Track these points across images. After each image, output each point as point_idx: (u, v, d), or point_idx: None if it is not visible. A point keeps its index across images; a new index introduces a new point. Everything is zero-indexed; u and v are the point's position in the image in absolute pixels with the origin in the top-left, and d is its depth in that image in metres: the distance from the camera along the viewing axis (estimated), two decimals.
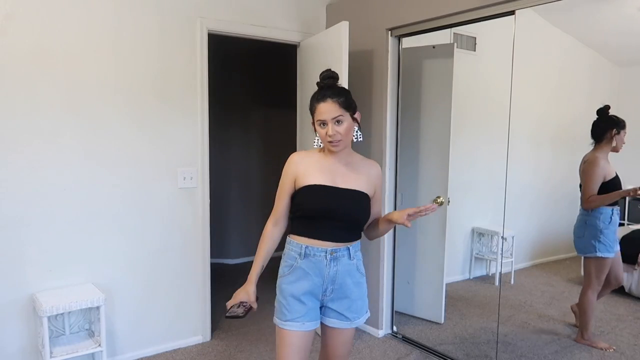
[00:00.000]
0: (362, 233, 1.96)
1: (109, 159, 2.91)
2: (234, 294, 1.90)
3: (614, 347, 3.10)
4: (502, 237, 3.56)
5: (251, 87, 5.23)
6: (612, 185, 2.93)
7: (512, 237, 3.79)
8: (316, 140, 1.90)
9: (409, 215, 1.74)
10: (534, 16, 3.28)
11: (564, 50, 3.72)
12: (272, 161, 5.25)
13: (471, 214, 4.03)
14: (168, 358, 3.14)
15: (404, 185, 3.49)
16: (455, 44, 3.49)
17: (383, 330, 3.50)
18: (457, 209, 3.59)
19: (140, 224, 3.06)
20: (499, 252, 3.89)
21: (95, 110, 2.85)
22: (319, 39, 3.36)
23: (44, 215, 2.73)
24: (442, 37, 3.38)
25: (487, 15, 2.73)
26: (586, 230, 3.04)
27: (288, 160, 1.90)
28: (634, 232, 3.33)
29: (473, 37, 3.79)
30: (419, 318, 3.70)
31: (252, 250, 1.99)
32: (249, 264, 1.94)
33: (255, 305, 1.90)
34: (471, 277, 4.13)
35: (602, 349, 3.09)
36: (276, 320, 1.86)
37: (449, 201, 3.45)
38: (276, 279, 1.90)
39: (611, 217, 2.98)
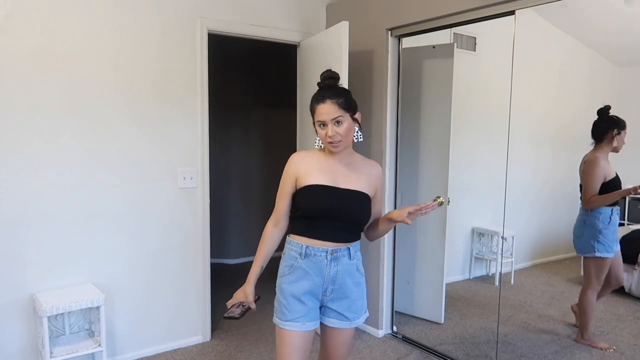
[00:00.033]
0: (362, 234, 1.96)
1: (109, 158, 2.91)
2: (234, 294, 1.92)
3: (614, 347, 3.10)
4: (502, 237, 3.56)
5: (251, 87, 5.23)
6: (612, 185, 2.93)
7: (512, 237, 3.79)
8: (317, 141, 1.90)
9: (409, 213, 1.74)
10: (534, 16, 3.29)
11: (564, 50, 3.72)
12: (272, 161, 5.26)
13: (471, 214, 4.03)
14: (168, 358, 3.15)
15: (404, 185, 3.49)
16: (455, 44, 3.49)
17: (383, 330, 3.50)
18: (457, 209, 3.60)
19: (140, 224, 3.06)
20: (499, 252, 3.89)
21: (96, 110, 2.85)
22: (319, 39, 3.36)
23: (44, 215, 2.73)
24: (442, 37, 3.38)
25: (487, 15, 2.73)
26: (585, 230, 3.04)
27: (289, 160, 1.90)
28: (634, 232, 3.33)
29: (473, 37, 3.79)
30: (419, 318, 3.70)
31: (252, 250, 1.99)
32: (249, 264, 1.94)
33: (253, 306, 1.91)
34: (471, 277, 4.13)
35: (602, 349, 3.09)
36: (276, 320, 1.86)
37: (449, 201, 3.45)
38: (276, 279, 1.90)
39: (610, 217, 2.97)
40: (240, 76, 5.14)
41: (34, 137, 2.68)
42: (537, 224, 3.89)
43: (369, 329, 3.54)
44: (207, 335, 3.39)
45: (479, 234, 4.05)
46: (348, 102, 1.79)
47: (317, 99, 1.79)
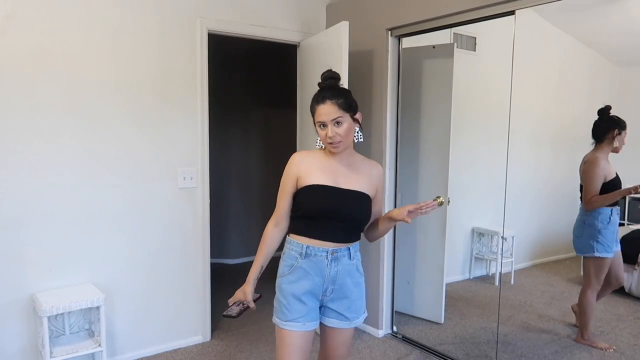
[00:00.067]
0: (362, 234, 1.96)
1: (109, 158, 2.91)
2: (235, 293, 1.93)
3: (614, 347, 3.10)
4: (502, 237, 3.56)
5: (251, 87, 5.23)
6: (612, 185, 2.93)
7: (512, 237, 3.79)
8: (318, 141, 1.90)
9: (409, 211, 1.74)
10: (534, 16, 3.29)
11: (564, 50, 3.72)
12: (272, 161, 5.26)
13: (471, 214, 4.03)
14: (168, 358, 3.15)
15: (404, 185, 3.49)
16: (455, 44, 3.49)
17: (383, 330, 3.50)
18: (457, 209, 3.60)
19: (140, 224, 3.06)
20: (499, 252, 3.89)
21: (95, 110, 2.85)
22: (319, 39, 3.36)
23: (44, 215, 2.73)
24: (442, 37, 3.38)
25: (487, 15, 2.73)
26: (585, 230, 3.04)
27: (290, 160, 1.90)
28: (634, 232, 3.33)
29: (473, 37, 3.79)
30: (419, 318, 3.70)
31: (252, 250, 2.00)
32: (249, 264, 1.94)
33: (252, 305, 1.91)
34: (471, 277, 4.13)
35: (602, 349, 3.09)
36: (276, 320, 1.86)
37: (449, 201, 3.45)
38: (276, 279, 1.90)
39: (610, 217, 2.97)
40: (240, 76, 5.14)
41: (34, 137, 2.68)
42: (537, 224, 3.89)
43: (369, 329, 3.54)
44: (207, 335, 3.39)
45: (479, 234, 4.05)
46: (348, 103, 1.79)
47: (317, 99, 1.79)
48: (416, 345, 3.34)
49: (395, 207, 3.43)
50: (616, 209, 2.99)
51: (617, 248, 3.03)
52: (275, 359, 1.88)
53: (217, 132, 4.32)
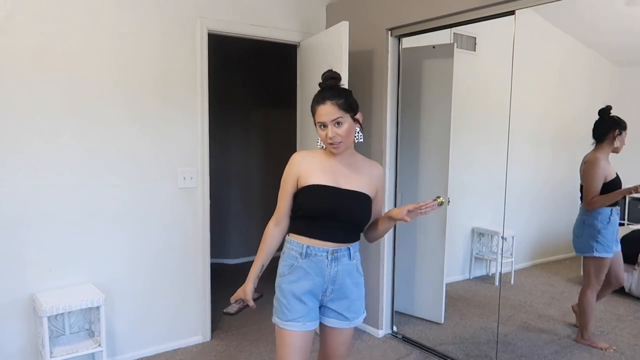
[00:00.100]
0: (362, 235, 1.96)
1: (109, 158, 2.91)
2: (236, 292, 1.94)
3: (614, 347, 3.10)
4: (502, 237, 3.57)
5: (251, 87, 5.23)
6: (612, 185, 2.93)
7: (512, 237, 3.79)
8: (318, 140, 1.90)
9: (409, 211, 1.74)
10: (534, 16, 3.29)
11: (564, 50, 3.72)
12: (272, 161, 5.26)
13: (471, 214, 4.03)
14: (168, 358, 3.15)
15: (404, 185, 3.49)
16: (455, 44, 3.49)
17: (383, 330, 3.50)
18: (457, 209, 3.60)
19: (140, 224, 3.06)
20: (499, 252, 3.89)
21: (96, 110, 2.85)
22: (319, 39, 3.36)
23: (44, 215, 2.73)
24: (442, 37, 3.38)
25: (487, 15, 2.73)
26: (584, 230, 3.04)
27: (290, 159, 1.90)
28: (634, 232, 3.33)
29: (473, 37, 3.79)
30: (419, 318, 3.70)
31: (252, 250, 2.00)
32: (249, 264, 1.94)
33: (251, 304, 1.92)
34: (471, 277, 4.13)
35: (602, 349, 3.09)
36: (276, 320, 1.86)
37: (449, 201, 3.45)
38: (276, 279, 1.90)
39: (610, 217, 2.97)
40: (240, 76, 5.14)
41: (34, 137, 2.67)
42: (537, 224, 3.89)
43: (369, 329, 3.54)
44: (207, 335, 3.39)
45: (479, 234, 4.05)
46: (348, 103, 1.78)
47: (318, 99, 1.79)
48: (416, 345, 3.34)
49: (395, 207, 3.43)
50: (616, 209, 2.99)
51: (617, 248, 3.03)
52: (275, 359, 1.88)
53: (217, 132, 4.32)
